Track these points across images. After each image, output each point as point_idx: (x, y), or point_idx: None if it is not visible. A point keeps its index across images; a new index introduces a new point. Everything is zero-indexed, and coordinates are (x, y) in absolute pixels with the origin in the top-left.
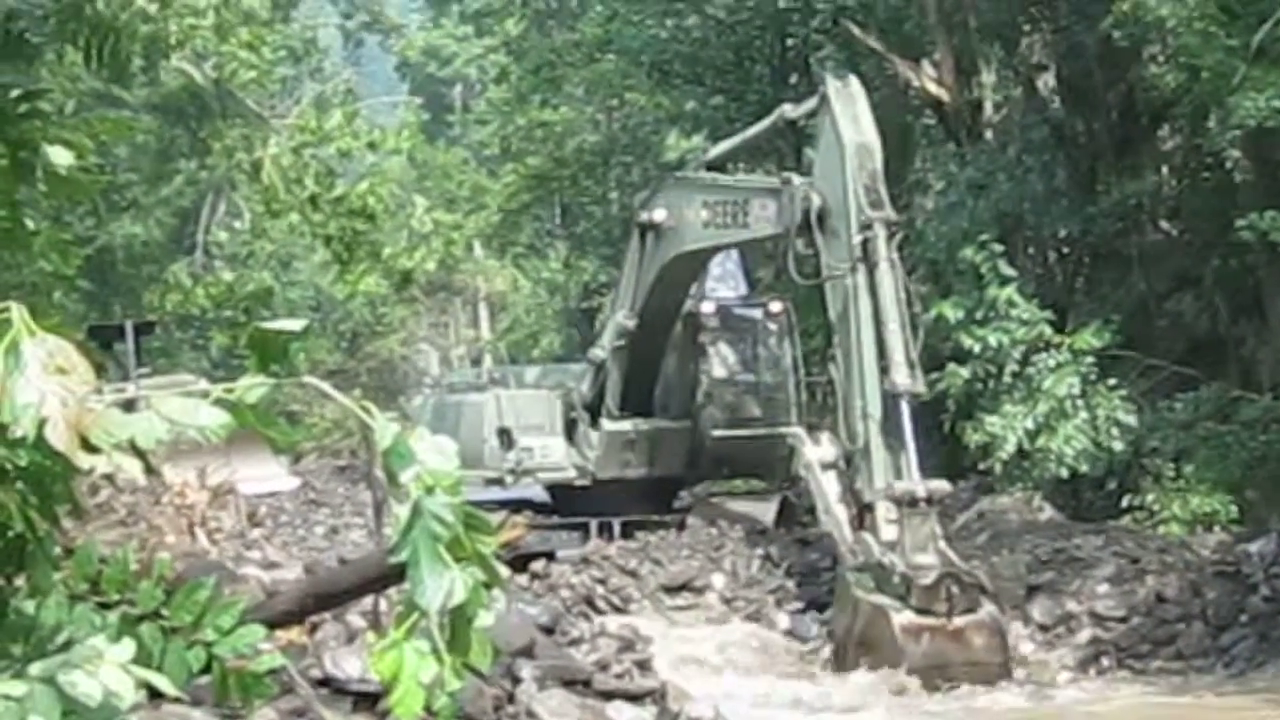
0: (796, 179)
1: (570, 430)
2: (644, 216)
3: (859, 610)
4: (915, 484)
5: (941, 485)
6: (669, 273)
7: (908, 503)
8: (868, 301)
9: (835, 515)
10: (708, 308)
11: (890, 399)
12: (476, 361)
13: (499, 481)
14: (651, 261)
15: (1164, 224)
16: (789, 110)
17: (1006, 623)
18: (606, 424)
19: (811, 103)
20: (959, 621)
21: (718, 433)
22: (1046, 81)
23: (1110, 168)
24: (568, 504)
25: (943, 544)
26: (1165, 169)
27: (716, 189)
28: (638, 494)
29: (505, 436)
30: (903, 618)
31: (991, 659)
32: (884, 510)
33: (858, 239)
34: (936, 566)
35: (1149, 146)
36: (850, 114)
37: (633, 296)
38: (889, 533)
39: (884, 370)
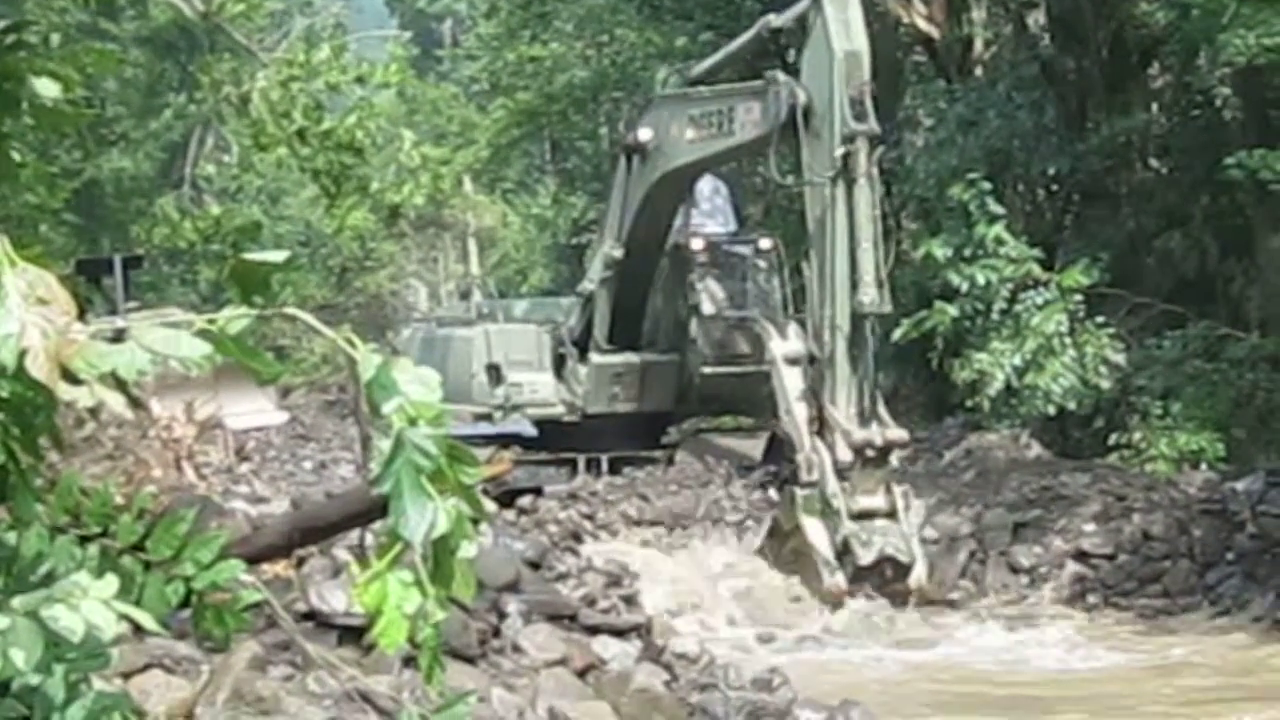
0: (782, 76)
1: (559, 366)
2: (629, 139)
3: (798, 537)
4: (873, 433)
5: (900, 434)
6: (655, 195)
7: (864, 448)
8: (844, 215)
9: (795, 415)
10: (697, 243)
11: (857, 317)
12: (465, 295)
13: (487, 417)
14: (637, 185)
15: (1153, 162)
16: (774, 19)
17: (937, 581)
18: (595, 357)
19: (801, 6)
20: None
21: (707, 369)
22: (1037, 18)
23: (1100, 105)
24: (556, 439)
25: (896, 490)
26: (1155, 107)
27: (701, 100)
28: (626, 430)
29: (494, 372)
30: (834, 581)
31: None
32: (843, 422)
33: (839, 151)
34: (882, 508)
35: (1139, 84)
36: (842, 19)
37: (619, 225)
38: (844, 453)
39: (854, 286)
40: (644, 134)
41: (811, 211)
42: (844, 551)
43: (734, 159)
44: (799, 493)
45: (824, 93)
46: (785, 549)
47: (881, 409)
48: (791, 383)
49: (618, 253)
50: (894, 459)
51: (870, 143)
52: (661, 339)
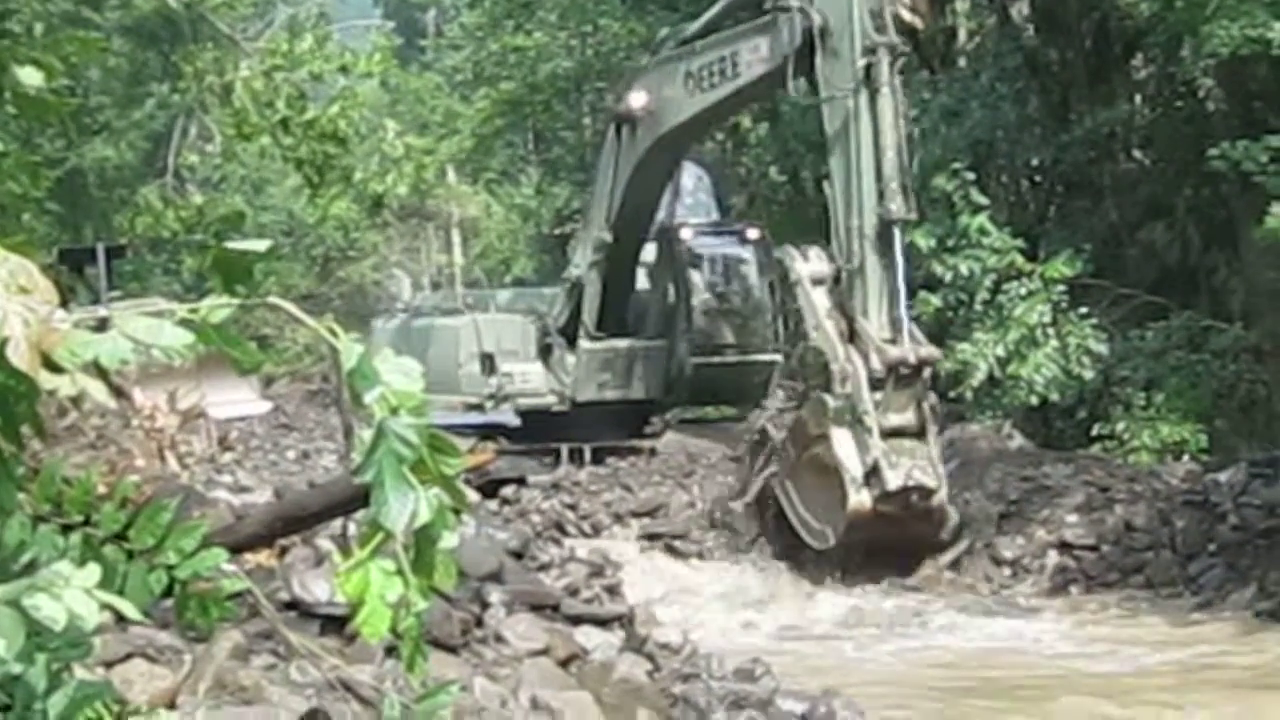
0: (795, 2)
1: (545, 355)
2: (620, 108)
3: (826, 447)
4: (908, 349)
5: (933, 351)
6: (648, 165)
7: (898, 365)
8: (868, 124)
9: (826, 330)
10: (686, 232)
11: (884, 224)
12: (438, 285)
13: (479, 407)
14: (629, 157)
15: (1136, 153)
16: None
17: (952, 516)
18: (584, 344)
19: None
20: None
21: (697, 360)
22: (1020, 9)
23: (1083, 96)
24: (543, 429)
25: (925, 408)
26: (1138, 98)
27: (698, 53)
28: (614, 418)
29: (488, 361)
30: (858, 500)
31: (924, 540)
32: (875, 333)
33: (861, 62)
34: (912, 426)
35: (1122, 75)
36: None
37: (608, 207)
38: (876, 361)
39: (880, 195)
40: (637, 99)
41: (831, 126)
42: (872, 472)
43: (740, 104)
44: (831, 402)
45: (841, 10)
46: (803, 456)
47: (912, 325)
48: (819, 300)
49: (607, 236)
50: (926, 376)
51: (891, 54)
52: (649, 326)
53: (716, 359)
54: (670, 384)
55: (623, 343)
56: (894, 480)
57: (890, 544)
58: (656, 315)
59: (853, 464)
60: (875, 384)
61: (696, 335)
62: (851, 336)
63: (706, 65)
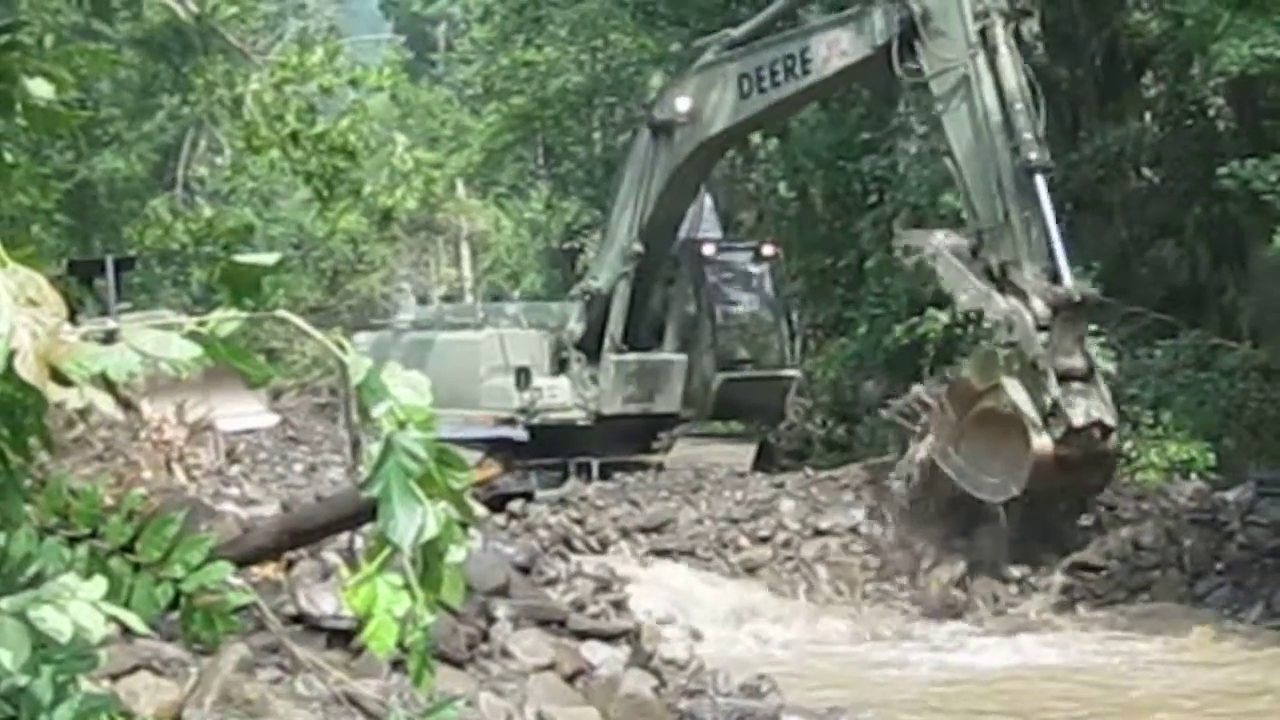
0: None
1: (560, 369)
2: (658, 115)
3: (997, 397)
4: (1071, 289)
5: (1093, 291)
6: (683, 172)
7: (1063, 305)
8: (991, 84)
9: (979, 288)
10: (708, 248)
11: (1024, 174)
12: (424, 300)
13: (510, 421)
14: (665, 164)
15: (1146, 171)
16: None
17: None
18: (612, 356)
19: None
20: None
21: (724, 375)
22: (1031, 27)
23: (1093, 114)
24: (562, 443)
25: (1090, 349)
26: (1148, 116)
27: (755, 54)
28: (636, 432)
29: (523, 376)
30: (1041, 443)
31: (1093, 488)
32: (1033, 282)
33: (975, 27)
34: (1080, 368)
35: (1132, 93)
36: None
37: (637, 217)
38: (1040, 306)
39: (1014, 150)
40: (682, 103)
41: (944, 101)
42: (1051, 413)
43: (805, 101)
44: (1000, 351)
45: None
46: (968, 414)
47: (1066, 270)
48: (963, 264)
49: (638, 246)
50: (1088, 317)
51: (1003, 15)
52: (671, 339)
53: (742, 374)
54: (692, 398)
55: (649, 356)
56: (1077, 418)
57: (1062, 496)
58: (677, 329)
59: (1029, 409)
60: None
61: (723, 350)
62: (1002, 291)
63: (767, 65)
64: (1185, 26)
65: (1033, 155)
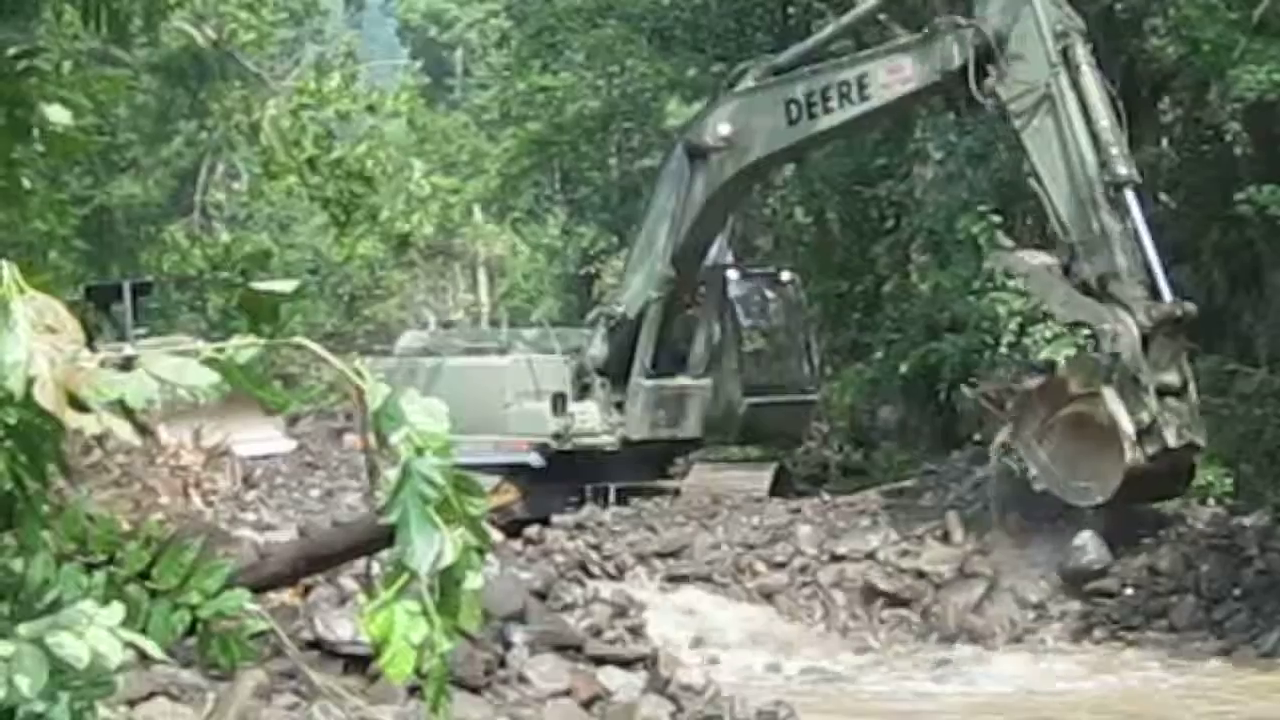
0: (961, 20)
1: (582, 395)
2: (698, 140)
3: (1093, 405)
4: (1172, 305)
5: (1191, 307)
6: (720, 198)
7: (1165, 320)
8: (1075, 101)
9: (1077, 300)
10: (732, 272)
11: (1116, 188)
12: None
13: (543, 447)
14: (704, 187)
15: (1163, 196)
16: None
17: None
18: (642, 381)
19: None
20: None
21: (750, 400)
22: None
23: None
24: (585, 469)
25: (1185, 364)
26: (1165, 141)
27: (805, 80)
28: (660, 457)
29: (559, 401)
30: (1134, 458)
31: (1167, 497)
32: (1134, 295)
33: (1057, 47)
34: (1176, 384)
35: (1149, 118)
36: None
37: (671, 242)
38: (1143, 318)
39: (1102, 164)
40: (723, 129)
41: (1024, 122)
42: (1146, 430)
43: (860, 127)
44: (1101, 360)
45: (1017, 14)
46: (1058, 415)
47: (1164, 284)
48: (1057, 277)
49: (671, 271)
50: (1186, 332)
51: (1081, 35)
52: (695, 364)
53: (768, 398)
54: (717, 423)
55: (677, 381)
56: (1173, 439)
57: (1142, 499)
58: (701, 354)
59: (1125, 422)
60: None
61: (750, 374)
62: (1103, 299)
63: (819, 91)
64: (1202, 52)
65: (1121, 170)
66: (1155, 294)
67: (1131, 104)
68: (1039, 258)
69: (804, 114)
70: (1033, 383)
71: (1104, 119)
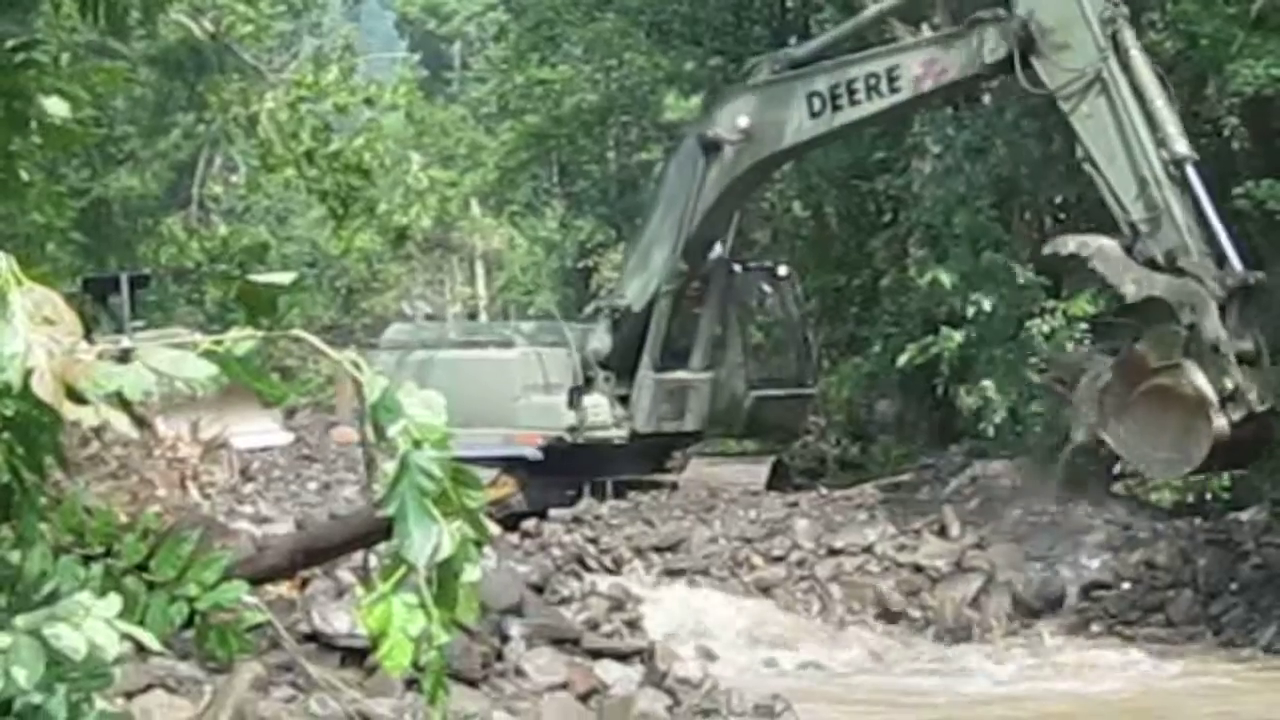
0: (1002, 12)
1: (586, 388)
2: (713, 132)
3: (1175, 377)
4: (1244, 272)
5: (1260, 275)
6: (734, 191)
7: (1238, 288)
8: (1126, 84)
9: (1150, 277)
10: (735, 266)
11: (1176, 164)
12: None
13: (559, 440)
14: (717, 180)
15: None
16: None
17: None
18: (650, 374)
19: None
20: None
21: (757, 393)
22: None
23: None
24: (568, 463)
25: (1257, 331)
26: None
27: (828, 73)
28: (664, 450)
29: (577, 394)
30: (1220, 425)
31: (1245, 465)
32: (1203, 266)
33: (1105, 32)
34: (1251, 352)
35: None
36: None
37: (682, 235)
38: (1217, 289)
39: (1160, 143)
40: (741, 121)
41: (1075, 108)
42: (1230, 397)
43: (884, 119)
44: (1180, 333)
45: (1059, 4)
46: (1138, 390)
47: (1233, 253)
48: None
49: (683, 264)
50: (1259, 301)
51: (1125, 19)
52: (699, 357)
53: (774, 392)
54: (720, 417)
55: (686, 374)
56: (1257, 404)
57: (1228, 467)
58: (705, 347)
59: (1208, 390)
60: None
61: (755, 368)
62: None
63: (844, 83)
64: (1200, 46)
65: (1180, 148)
66: (1222, 265)
67: None
68: (1100, 240)
69: (828, 106)
70: (1104, 362)
71: (1158, 98)
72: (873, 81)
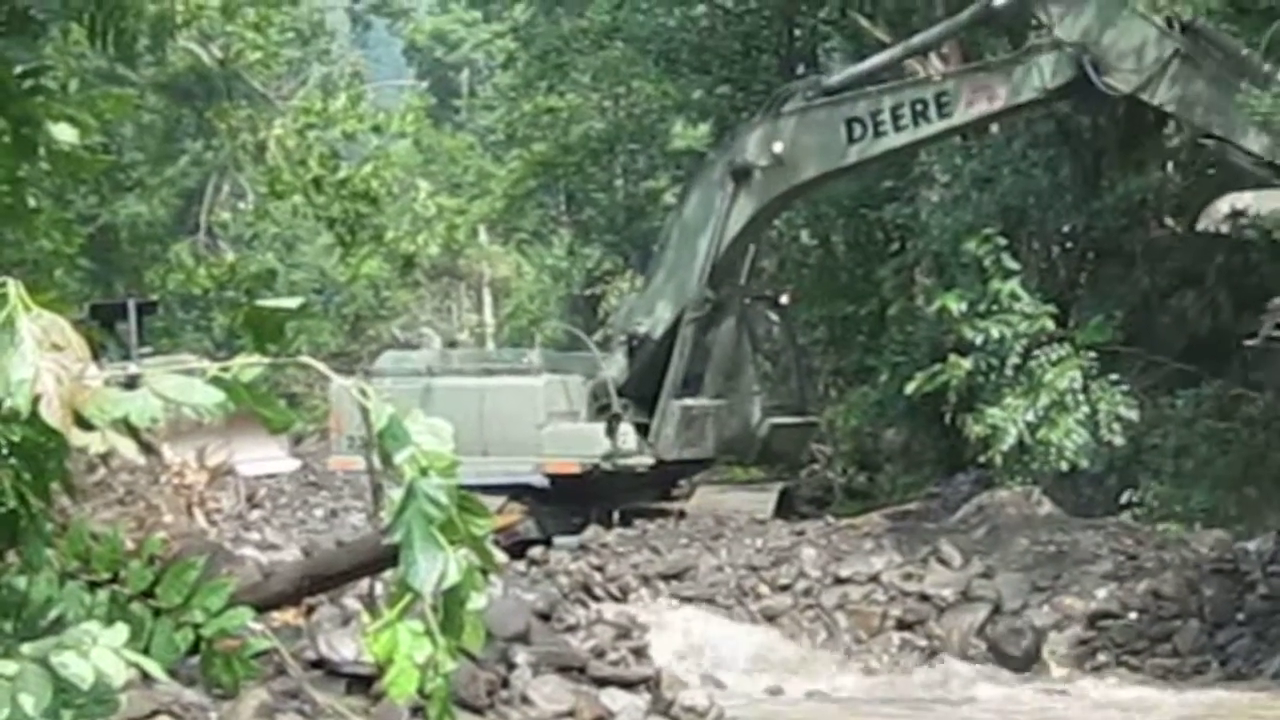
0: (1060, 37)
1: (598, 416)
2: (743, 158)
3: None
4: None
5: None
6: (760, 218)
7: None
8: (1211, 51)
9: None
10: (747, 295)
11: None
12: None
13: (594, 468)
14: (746, 206)
15: (1168, 220)
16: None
17: None
18: (674, 401)
19: None
20: None
21: (774, 420)
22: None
23: (1115, 163)
24: (574, 491)
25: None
26: (1170, 165)
27: (870, 99)
28: (646, 482)
29: (614, 421)
30: None
31: None
32: None
33: (1161, 18)
34: None
35: (1154, 142)
36: None
37: (708, 262)
38: None
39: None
40: (776, 147)
41: (1169, 96)
42: None
43: (928, 144)
44: None
45: (1111, 19)
46: None
47: None
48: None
49: (709, 292)
50: None
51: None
52: (711, 384)
53: (785, 420)
54: (734, 444)
55: (707, 401)
56: None
57: None
58: (717, 375)
59: None
60: None
61: (770, 395)
62: None
63: (888, 110)
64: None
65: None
66: None
67: (1136, 128)
68: (1244, 194)
69: (868, 132)
70: None
71: (1242, 49)
72: (919, 108)
